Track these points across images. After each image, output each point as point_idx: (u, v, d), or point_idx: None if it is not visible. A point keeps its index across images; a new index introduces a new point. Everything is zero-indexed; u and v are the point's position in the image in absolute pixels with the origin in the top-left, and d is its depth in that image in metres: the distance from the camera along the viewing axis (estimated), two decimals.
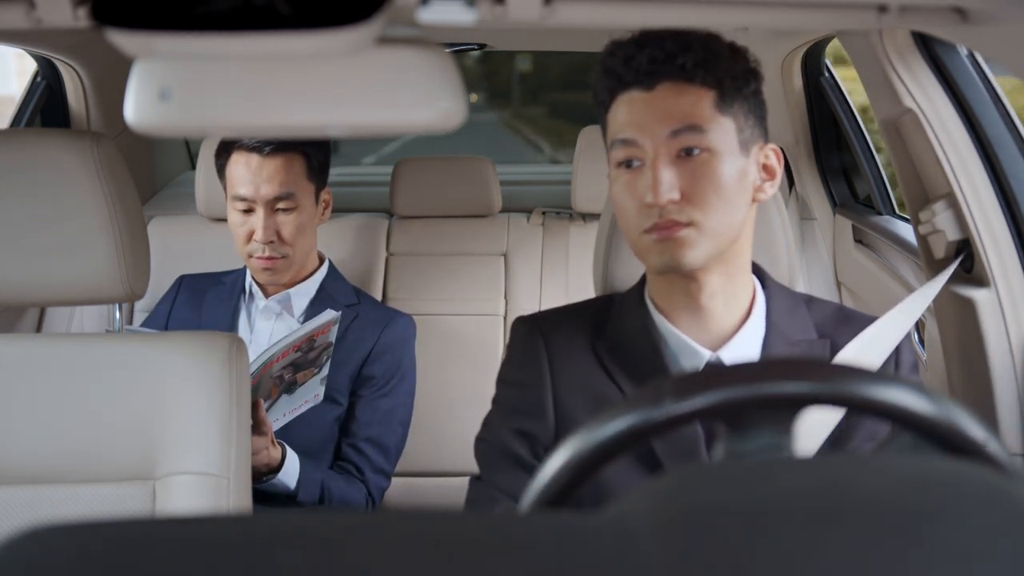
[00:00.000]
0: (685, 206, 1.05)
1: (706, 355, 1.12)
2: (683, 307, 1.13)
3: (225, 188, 1.89)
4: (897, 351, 1.17)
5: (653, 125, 1.05)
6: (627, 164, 1.07)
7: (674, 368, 1.12)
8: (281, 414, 1.76)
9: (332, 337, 1.73)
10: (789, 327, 1.15)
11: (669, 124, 1.05)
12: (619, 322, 1.17)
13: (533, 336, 1.18)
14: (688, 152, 1.05)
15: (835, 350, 1.15)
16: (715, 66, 1.06)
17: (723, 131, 1.06)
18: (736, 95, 1.08)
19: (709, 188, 1.05)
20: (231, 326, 1.94)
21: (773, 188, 1.13)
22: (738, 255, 1.12)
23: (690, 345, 1.12)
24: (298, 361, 1.70)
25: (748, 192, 1.09)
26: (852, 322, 1.18)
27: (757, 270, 1.18)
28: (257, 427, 1.62)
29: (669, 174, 1.04)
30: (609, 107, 1.10)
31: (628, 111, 1.07)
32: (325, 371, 1.77)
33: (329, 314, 1.70)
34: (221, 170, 1.89)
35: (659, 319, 1.14)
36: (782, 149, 1.36)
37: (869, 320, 1.19)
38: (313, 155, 1.87)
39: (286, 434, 1.78)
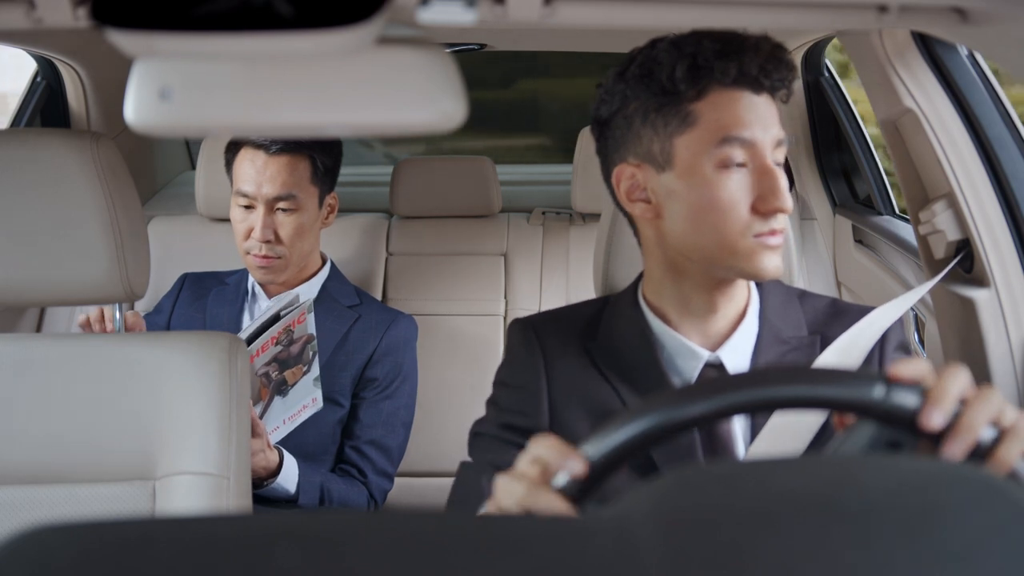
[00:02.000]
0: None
1: (705, 356, 1.12)
2: (692, 311, 1.12)
3: (231, 183, 1.89)
4: (884, 335, 1.15)
5: (768, 129, 1.05)
6: (738, 164, 1.04)
7: (670, 370, 1.12)
8: (280, 421, 1.74)
9: (311, 328, 1.72)
10: (781, 325, 1.15)
11: (775, 132, 1.05)
12: (613, 325, 1.17)
13: (529, 339, 1.18)
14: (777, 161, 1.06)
15: (825, 346, 1.15)
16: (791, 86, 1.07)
17: None
18: None
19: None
20: (236, 327, 1.94)
21: None
22: None
23: (688, 346, 1.12)
24: (280, 356, 1.69)
25: None
26: (844, 316, 1.17)
27: None
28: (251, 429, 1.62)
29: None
30: (696, 100, 1.04)
31: (745, 108, 1.04)
32: (315, 369, 1.76)
33: (290, 295, 1.69)
34: (229, 164, 1.89)
35: (655, 321, 1.14)
36: None
37: (862, 312, 1.18)
38: (320, 159, 1.86)
39: (288, 436, 1.77)
